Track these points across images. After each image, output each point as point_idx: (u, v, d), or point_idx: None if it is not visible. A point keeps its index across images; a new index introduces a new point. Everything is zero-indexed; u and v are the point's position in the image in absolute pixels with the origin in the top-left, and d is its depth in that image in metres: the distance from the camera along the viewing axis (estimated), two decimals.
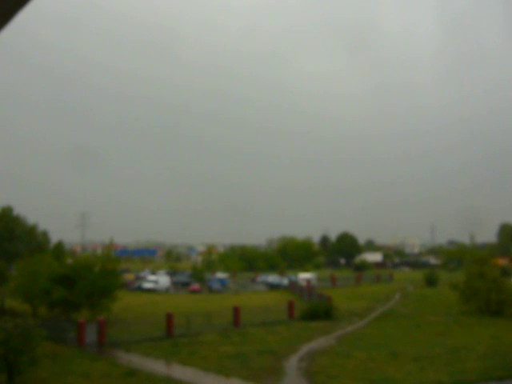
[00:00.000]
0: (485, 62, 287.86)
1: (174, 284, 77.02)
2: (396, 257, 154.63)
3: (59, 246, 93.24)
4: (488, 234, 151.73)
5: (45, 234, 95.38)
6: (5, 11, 4.72)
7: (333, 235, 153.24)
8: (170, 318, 33.72)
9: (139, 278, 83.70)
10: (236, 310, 37.70)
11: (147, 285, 70.16)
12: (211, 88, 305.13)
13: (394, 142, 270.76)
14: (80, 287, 37.58)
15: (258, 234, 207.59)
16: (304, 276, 78.20)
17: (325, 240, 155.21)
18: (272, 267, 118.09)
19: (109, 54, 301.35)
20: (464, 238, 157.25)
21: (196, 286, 71.12)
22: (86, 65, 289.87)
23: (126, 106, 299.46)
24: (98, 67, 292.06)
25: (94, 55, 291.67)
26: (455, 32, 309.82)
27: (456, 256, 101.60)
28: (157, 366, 24.73)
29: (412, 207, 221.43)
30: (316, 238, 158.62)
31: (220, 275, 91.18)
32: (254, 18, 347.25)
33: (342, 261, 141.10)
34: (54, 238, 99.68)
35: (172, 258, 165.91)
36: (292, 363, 24.67)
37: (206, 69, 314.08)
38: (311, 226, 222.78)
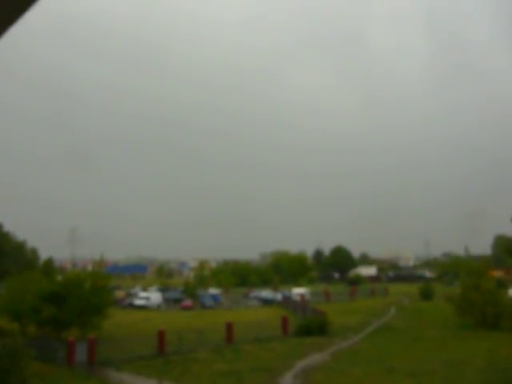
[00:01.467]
0: (475, 78, 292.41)
1: (166, 300, 76.59)
2: (391, 270, 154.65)
3: (49, 263, 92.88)
4: (483, 246, 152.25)
5: (34, 251, 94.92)
6: None
7: (326, 249, 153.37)
8: (161, 335, 33.43)
9: (130, 295, 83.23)
10: (229, 327, 37.45)
11: (138, 302, 69.72)
12: (202, 102, 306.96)
13: (386, 154, 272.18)
14: (70, 305, 37.24)
15: (251, 248, 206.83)
16: (298, 291, 77.98)
17: (318, 254, 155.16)
18: (265, 282, 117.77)
19: (100, 69, 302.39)
20: (459, 250, 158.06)
21: (188, 302, 70.75)
22: (78, 79, 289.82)
23: (117, 120, 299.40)
24: (89, 82, 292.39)
25: (86, 70, 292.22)
26: (444, 48, 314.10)
27: (451, 268, 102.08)
28: None
29: (406, 220, 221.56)
30: (309, 251, 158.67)
31: (212, 291, 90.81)
32: (244, 34, 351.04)
33: (336, 275, 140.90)
34: (44, 254, 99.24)
35: (163, 274, 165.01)
36: (287, 380, 24.48)
37: (198, 83, 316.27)
38: (304, 240, 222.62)
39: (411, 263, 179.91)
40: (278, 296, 76.26)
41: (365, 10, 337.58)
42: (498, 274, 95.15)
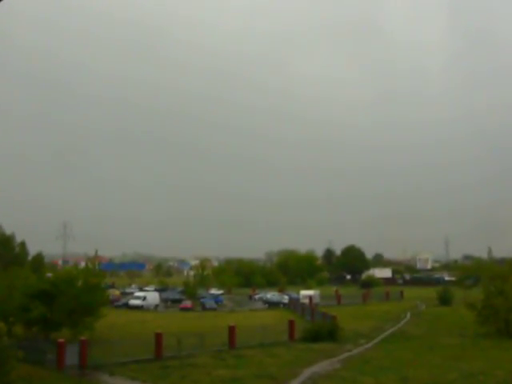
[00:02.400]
0: (502, 75, 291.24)
1: (164, 301, 76.86)
2: (407, 272, 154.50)
3: (38, 259, 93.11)
4: (507, 249, 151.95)
5: (22, 246, 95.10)
6: None
7: (338, 249, 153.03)
8: (159, 338, 33.49)
9: (126, 294, 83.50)
10: (231, 330, 37.48)
11: (134, 302, 69.95)
12: (205, 92, 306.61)
13: (405, 152, 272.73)
14: (60, 304, 37.36)
15: (256, 246, 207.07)
16: (306, 293, 77.98)
17: (329, 253, 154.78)
18: (271, 283, 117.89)
19: (93, 57, 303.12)
20: (481, 253, 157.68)
21: (188, 303, 70.91)
22: (69, 69, 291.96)
23: (112, 112, 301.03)
24: (81, 71, 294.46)
25: (78, 58, 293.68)
26: (469, 44, 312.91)
27: (472, 272, 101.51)
28: None
29: (424, 220, 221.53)
30: (319, 251, 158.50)
31: (214, 291, 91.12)
32: (251, 20, 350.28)
33: (348, 276, 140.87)
34: (33, 249, 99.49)
35: (162, 273, 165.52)
36: None
37: (200, 72, 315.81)
38: (314, 239, 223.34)
39: (429, 265, 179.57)
40: (285, 298, 76.33)
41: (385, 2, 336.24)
42: None
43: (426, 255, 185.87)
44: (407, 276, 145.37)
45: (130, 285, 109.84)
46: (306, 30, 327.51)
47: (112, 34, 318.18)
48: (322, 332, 40.68)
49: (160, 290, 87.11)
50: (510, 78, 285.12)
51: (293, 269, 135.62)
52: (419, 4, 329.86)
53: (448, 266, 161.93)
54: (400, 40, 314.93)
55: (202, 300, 74.37)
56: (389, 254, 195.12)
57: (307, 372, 28.37)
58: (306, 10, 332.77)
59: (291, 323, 42.02)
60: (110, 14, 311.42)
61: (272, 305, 74.11)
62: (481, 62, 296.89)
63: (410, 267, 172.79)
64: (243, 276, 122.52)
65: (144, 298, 71.22)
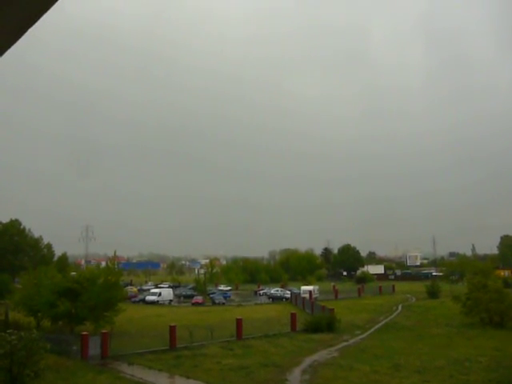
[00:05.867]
0: (474, 92, 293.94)
1: (177, 296, 76.90)
2: (398, 269, 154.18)
3: (63, 259, 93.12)
4: (489, 246, 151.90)
5: (49, 247, 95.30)
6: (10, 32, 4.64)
7: (335, 248, 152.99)
8: (172, 330, 33.50)
9: (142, 291, 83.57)
10: (238, 323, 37.42)
11: (150, 297, 70.06)
12: (210, 111, 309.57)
13: (394, 161, 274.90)
14: (84, 300, 37.47)
15: (261, 247, 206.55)
16: (306, 288, 77.80)
17: (327, 252, 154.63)
18: (274, 279, 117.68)
19: (109, 82, 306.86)
20: (465, 250, 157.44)
21: (199, 298, 70.90)
22: (88, 92, 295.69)
23: (129, 129, 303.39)
24: (99, 95, 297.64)
25: (95, 83, 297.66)
26: (444, 65, 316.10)
27: (457, 268, 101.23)
28: (160, 379, 24.57)
29: (413, 221, 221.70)
30: (318, 250, 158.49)
31: (223, 288, 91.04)
32: (248, 48, 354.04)
33: (344, 273, 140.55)
34: (58, 251, 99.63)
35: (175, 271, 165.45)
36: (295, 376, 24.46)
37: (204, 93, 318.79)
38: (313, 240, 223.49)
39: (418, 262, 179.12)
40: (287, 293, 76.21)
41: (366, 28, 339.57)
42: (504, 273, 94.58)
43: (415, 253, 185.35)
44: (398, 272, 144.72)
45: (146, 282, 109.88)
46: (303, 57, 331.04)
47: (127, 62, 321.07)
48: (321, 324, 40.60)
49: (173, 287, 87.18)
50: (482, 94, 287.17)
51: (294, 266, 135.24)
52: (399, 32, 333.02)
53: (435, 263, 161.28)
54: (383, 63, 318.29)
55: (211, 295, 74.35)
56: (381, 252, 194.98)
57: (308, 360, 28.35)
58: (303, 40, 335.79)
59: (293, 316, 41.94)
60: (129, 45, 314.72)
61: (275, 299, 73.98)
62: (455, 81, 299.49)
63: (400, 264, 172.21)
64: (249, 273, 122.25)
65: (159, 294, 71.25)
